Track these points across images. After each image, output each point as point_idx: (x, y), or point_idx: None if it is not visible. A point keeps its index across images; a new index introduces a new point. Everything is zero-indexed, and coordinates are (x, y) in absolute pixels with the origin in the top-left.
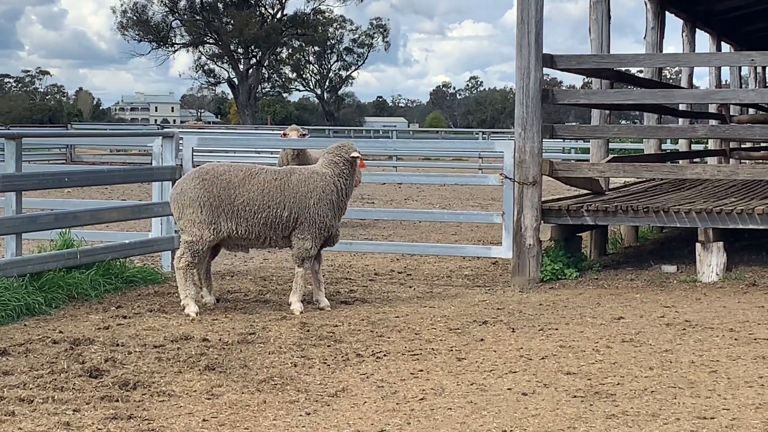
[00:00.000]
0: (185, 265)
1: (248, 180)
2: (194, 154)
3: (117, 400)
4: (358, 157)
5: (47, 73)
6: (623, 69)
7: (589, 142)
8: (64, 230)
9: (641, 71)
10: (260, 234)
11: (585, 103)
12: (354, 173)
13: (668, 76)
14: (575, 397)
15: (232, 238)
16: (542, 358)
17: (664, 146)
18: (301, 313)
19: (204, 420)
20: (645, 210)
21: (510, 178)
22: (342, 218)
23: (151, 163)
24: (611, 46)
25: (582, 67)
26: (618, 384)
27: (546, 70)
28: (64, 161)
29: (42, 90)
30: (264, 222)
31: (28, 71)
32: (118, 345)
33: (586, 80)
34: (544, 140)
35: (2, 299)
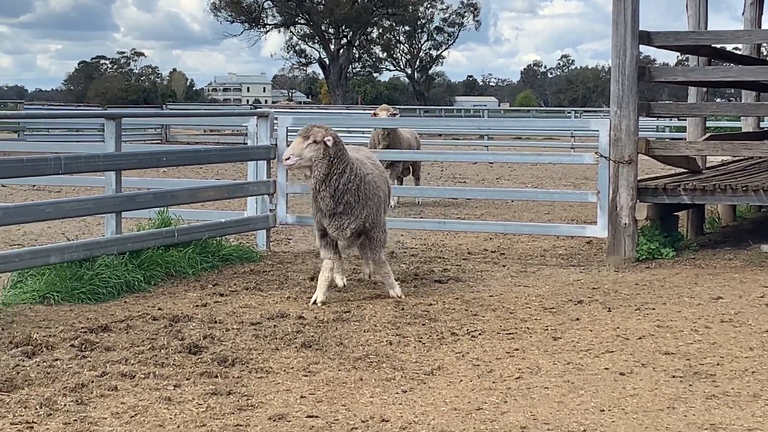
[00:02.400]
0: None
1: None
2: (289, 133)
3: (216, 376)
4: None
5: (142, 54)
6: (720, 46)
7: (683, 120)
8: (162, 209)
9: (738, 48)
10: None
11: (682, 80)
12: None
13: (765, 53)
14: (674, 377)
15: None
16: (639, 338)
17: (762, 124)
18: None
19: (302, 396)
20: (744, 189)
21: (605, 157)
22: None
23: (246, 143)
24: (708, 23)
25: (679, 44)
26: (717, 364)
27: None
28: (159, 141)
29: (137, 71)
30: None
31: (123, 53)
32: (215, 322)
33: (680, 58)
34: (639, 118)
35: (103, 277)
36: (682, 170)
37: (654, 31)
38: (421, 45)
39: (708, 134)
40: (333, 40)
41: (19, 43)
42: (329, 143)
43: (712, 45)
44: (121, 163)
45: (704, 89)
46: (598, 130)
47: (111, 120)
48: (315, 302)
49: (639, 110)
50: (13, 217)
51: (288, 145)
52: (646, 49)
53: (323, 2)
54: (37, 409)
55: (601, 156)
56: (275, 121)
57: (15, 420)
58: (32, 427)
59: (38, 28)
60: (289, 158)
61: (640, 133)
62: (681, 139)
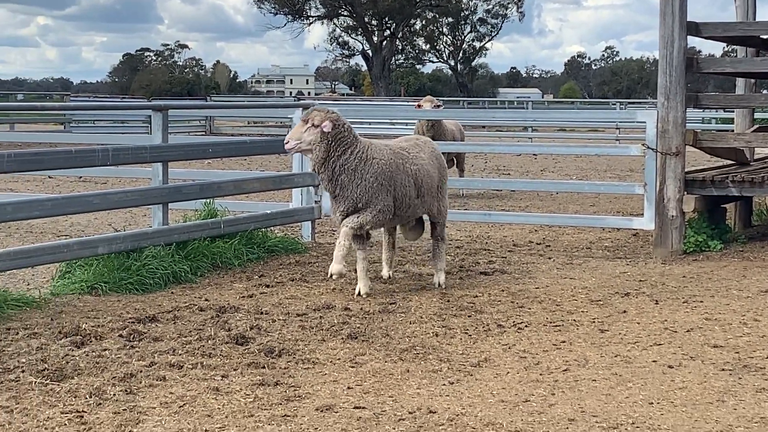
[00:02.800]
0: None
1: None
2: None
3: (263, 367)
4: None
5: (186, 46)
6: None
7: (729, 111)
8: (208, 200)
9: None
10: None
11: (731, 71)
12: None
13: None
14: (723, 370)
15: None
16: (687, 331)
17: None
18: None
19: (348, 387)
20: None
21: (652, 149)
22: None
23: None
24: (756, 14)
25: (728, 35)
26: (767, 358)
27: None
28: (203, 133)
29: (180, 63)
30: None
31: (168, 45)
32: (262, 313)
33: (726, 49)
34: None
35: (150, 267)
36: (730, 162)
37: (702, 22)
38: (465, 36)
39: (756, 126)
40: (376, 32)
41: (64, 36)
42: (326, 129)
43: (761, 36)
44: (168, 155)
45: (752, 80)
46: (644, 122)
47: (158, 112)
48: (359, 294)
49: (687, 102)
50: (61, 208)
51: None
52: (691, 40)
53: None
54: (86, 398)
55: (648, 148)
56: None
57: (65, 409)
58: (82, 416)
59: (83, 20)
60: (288, 142)
61: (686, 124)
62: (727, 130)
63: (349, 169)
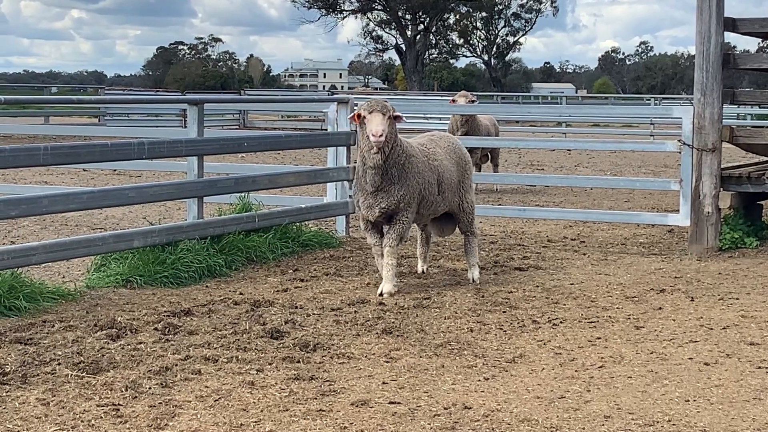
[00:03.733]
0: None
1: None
2: None
3: (298, 362)
4: (358, 115)
5: (219, 40)
6: None
7: (764, 108)
8: (243, 194)
9: None
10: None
11: None
12: (361, 133)
13: None
14: (760, 368)
15: None
16: (723, 328)
17: None
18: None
19: (383, 383)
20: None
21: (688, 145)
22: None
23: (324, 129)
24: None
25: (765, 31)
26: None
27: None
28: (237, 126)
29: (214, 57)
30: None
31: (201, 38)
32: (296, 307)
33: (761, 44)
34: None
35: (185, 261)
36: (766, 159)
37: (739, 17)
38: (498, 31)
39: None
40: (410, 27)
41: (98, 29)
42: (402, 120)
43: None
44: (203, 149)
45: None
46: (680, 118)
47: (194, 105)
48: (380, 294)
49: (723, 98)
50: (97, 201)
51: None
52: (726, 36)
53: None
54: (122, 391)
55: (684, 144)
56: (355, 107)
57: (101, 402)
58: (118, 409)
59: (117, 14)
60: (381, 134)
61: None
62: (763, 126)
63: (398, 163)
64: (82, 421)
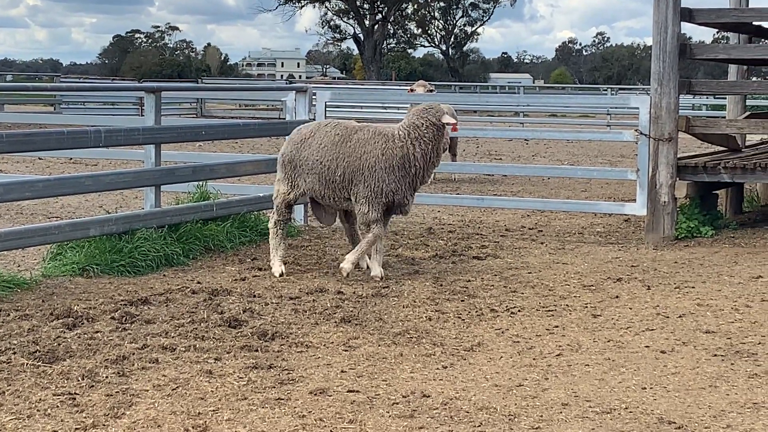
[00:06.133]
0: (272, 222)
1: (312, 136)
2: (327, 108)
3: (256, 350)
4: (450, 123)
5: (176, 28)
6: (762, 24)
7: (720, 98)
8: (201, 183)
9: None
10: (321, 192)
11: (724, 58)
12: (441, 140)
13: None
14: (715, 356)
15: (307, 195)
16: (680, 316)
17: None
18: (347, 275)
19: (342, 371)
20: None
21: (645, 134)
22: (419, 187)
23: (282, 118)
24: (749, 1)
25: (721, 21)
26: (759, 343)
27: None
28: (194, 115)
29: (171, 45)
30: (320, 179)
31: (158, 27)
32: (255, 296)
33: (716, 36)
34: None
35: (142, 250)
36: (721, 148)
37: (696, 8)
38: (456, 21)
39: (747, 113)
40: (368, 16)
41: (53, 17)
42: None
43: (754, 22)
44: (160, 137)
45: (744, 67)
46: (637, 108)
47: (151, 93)
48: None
49: (680, 88)
50: (53, 189)
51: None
52: (683, 27)
53: None
54: (79, 380)
55: (641, 133)
56: (313, 96)
57: (57, 391)
58: (74, 398)
59: (73, 1)
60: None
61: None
62: (718, 116)
63: None
64: (38, 410)
